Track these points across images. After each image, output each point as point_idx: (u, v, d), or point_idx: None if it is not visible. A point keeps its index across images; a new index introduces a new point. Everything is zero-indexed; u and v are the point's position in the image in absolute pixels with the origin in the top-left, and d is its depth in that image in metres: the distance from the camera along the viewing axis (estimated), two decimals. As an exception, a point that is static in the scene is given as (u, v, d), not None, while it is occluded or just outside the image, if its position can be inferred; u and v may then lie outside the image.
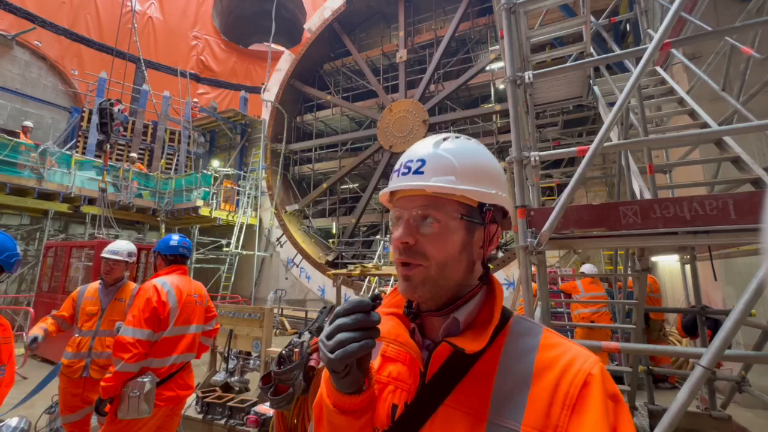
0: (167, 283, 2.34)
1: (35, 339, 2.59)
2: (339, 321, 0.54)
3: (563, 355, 0.57)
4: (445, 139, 0.66)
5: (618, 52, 2.55)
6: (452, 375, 0.59)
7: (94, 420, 2.67)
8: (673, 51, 3.49)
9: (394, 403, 0.63)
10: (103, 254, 2.84)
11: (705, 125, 2.88)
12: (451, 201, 0.61)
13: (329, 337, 0.54)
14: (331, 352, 0.52)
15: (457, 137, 0.67)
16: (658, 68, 3.90)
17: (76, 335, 2.77)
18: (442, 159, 0.62)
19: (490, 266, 0.68)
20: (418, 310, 0.68)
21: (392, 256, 0.67)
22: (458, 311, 0.63)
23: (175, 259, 2.53)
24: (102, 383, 2.03)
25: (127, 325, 2.14)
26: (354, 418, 0.61)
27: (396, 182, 0.65)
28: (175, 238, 2.58)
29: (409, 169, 0.63)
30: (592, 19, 3.83)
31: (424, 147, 0.65)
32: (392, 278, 7.92)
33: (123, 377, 2.04)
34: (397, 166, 0.66)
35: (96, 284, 2.94)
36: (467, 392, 0.58)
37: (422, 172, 0.62)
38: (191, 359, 2.46)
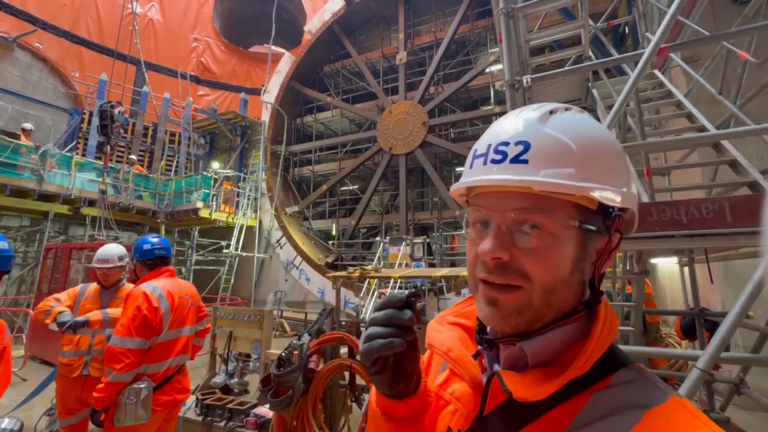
0: (157, 287, 2.27)
1: (68, 324, 2.58)
2: (375, 314, 0.49)
3: None
4: (552, 112, 0.48)
5: (615, 56, 2.57)
6: (513, 417, 0.47)
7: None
8: (671, 54, 3.51)
9: (450, 426, 0.53)
10: (94, 264, 2.78)
11: (703, 128, 2.90)
12: (564, 202, 0.45)
13: (366, 330, 0.49)
14: (362, 345, 0.48)
15: (568, 109, 0.49)
16: (656, 71, 3.92)
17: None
18: (554, 142, 0.45)
19: (603, 288, 0.50)
20: (494, 335, 0.52)
21: (469, 265, 0.51)
22: (531, 340, 0.47)
23: (155, 262, 2.42)
24: (94, 394, 2.00)
25: (117, 334, 2.09)
26: (393, 425, 0.55)
27: (484, 173, 0.47)
28: (151, 240, 2.45)
29: (504, 155, 0.46)
30: (591, 22, 3.86)
31: (522, 123, 0.47)
32: (392, 280, 7.92)
33: (116, 387, 2.00)
34: (481, 149, 0.49)
35: (95, 285, 2.92)
36: None
37: (525, 161, 0.44)
38: (186, 361, 2.44)
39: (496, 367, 0.52)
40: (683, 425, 0.38)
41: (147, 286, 2.26)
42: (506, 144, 0.46)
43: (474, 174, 0.48)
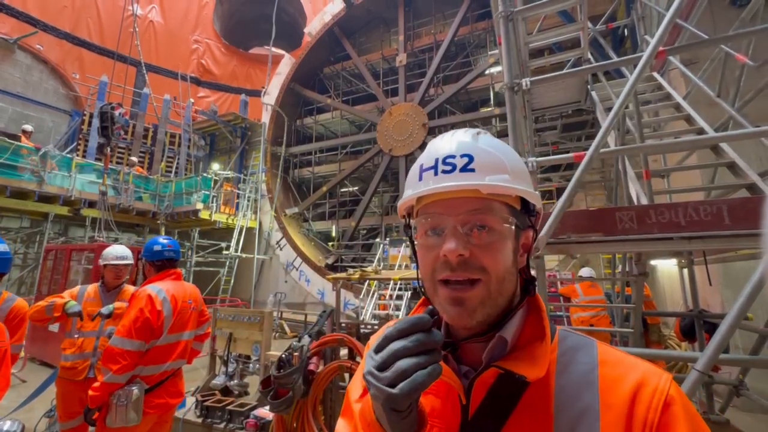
0: (162, 290, 2.27)
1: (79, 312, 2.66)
2: (395, 345, 0.42)
3: (630, 372, 0.49)
4: (478, 133, 0.57)
5: (614, 59, 2.58)
6: (501, 407, 0.50)
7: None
8: (670, 57, 3.53)
9: None
10: (112, 261, 2.82)
11: (701, 131, 2.91)
12: (501, 204, 0.53)
13: (383, 366, 0.42)
14: (392, 385, 0.40)
15: (485, 132, 0.58)
16: (655, 74, 3.94)
17: (76, 336, 2.73)
18: (490, 155, 0.54)
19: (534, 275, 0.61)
20: (455, 336, 0.56)
21: (426, 271, 0.55)
22: (503, 329, 0.53)
23: (163, 264, 2.43)
24: (90, 392, 2.01)
25: (117, 334, 2.10)
26: None
27: (440, 182, 0.53)
28: (162, 241, 2.47)
29: (453, 166, 0.53)
30: (590, 25, 3.88)
31: (461, 141, 0.55)
32: (391, 282, 7.92)
33: (110, 388, 2.01)
34: (429, 163, 0.55)
35: (95, 286, 2.91)
36: (523, 427, 0.49)
37: (473, 170, 0.52)
38: (182, 365, 2.43)
39: (464, 369, 0.56)
40: (614, 352, 0.53)
41: (152, 289, 2.25)
42: (453, 157, 0.53)
43: (427, 183, 0.54)
